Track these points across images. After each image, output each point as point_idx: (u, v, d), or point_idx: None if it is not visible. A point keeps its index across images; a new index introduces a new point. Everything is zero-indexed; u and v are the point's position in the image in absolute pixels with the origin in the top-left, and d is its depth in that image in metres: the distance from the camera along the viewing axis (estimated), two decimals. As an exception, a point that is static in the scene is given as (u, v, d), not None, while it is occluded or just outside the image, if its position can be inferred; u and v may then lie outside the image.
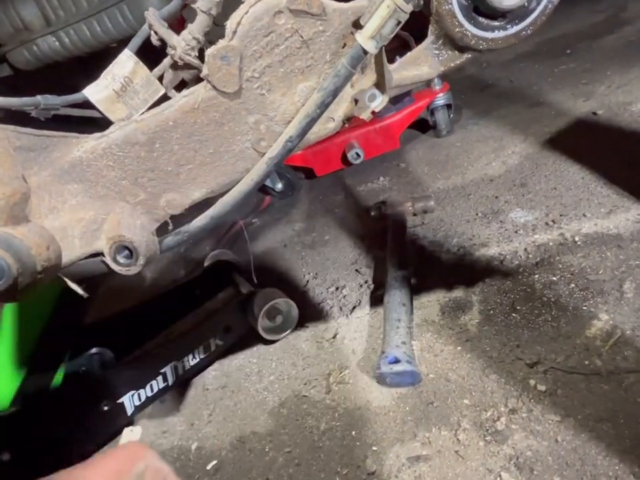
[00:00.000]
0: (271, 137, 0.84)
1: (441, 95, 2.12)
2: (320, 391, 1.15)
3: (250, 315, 1.40)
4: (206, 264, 1.81)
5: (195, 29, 0.87)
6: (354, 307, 1.39)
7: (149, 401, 1.26)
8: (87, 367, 1.35)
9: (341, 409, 1.08)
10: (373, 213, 1.76)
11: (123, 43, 1.65)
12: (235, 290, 1.64)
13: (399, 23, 0.66)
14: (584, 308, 1.07)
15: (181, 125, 0.83)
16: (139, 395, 1.25)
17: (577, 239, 1.28)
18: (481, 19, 0.74)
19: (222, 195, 0.91)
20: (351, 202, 2.04)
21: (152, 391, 1.27)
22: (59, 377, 1.20)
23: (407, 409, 1.01)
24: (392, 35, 0.67)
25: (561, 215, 1.40)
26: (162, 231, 0.94)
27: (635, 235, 1.21)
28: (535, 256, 1.28)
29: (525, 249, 1.32)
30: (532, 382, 0.95)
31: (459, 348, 1.10)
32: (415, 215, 1.70)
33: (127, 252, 0.84)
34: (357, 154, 2.05)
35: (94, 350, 1.41)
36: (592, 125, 1.81)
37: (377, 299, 1.38)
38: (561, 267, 1.21)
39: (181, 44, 0.88)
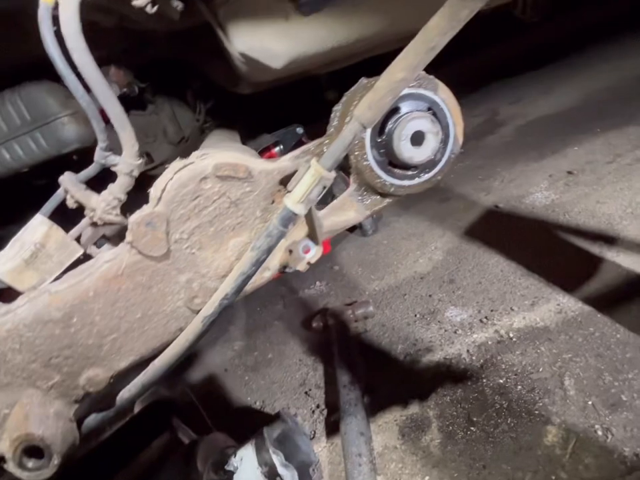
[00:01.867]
0: (205, 293, 0.80)
1: (362, 199, 2.27)
2: None
3: (192, 469, 1.22)
4: (137, 407, 1.60)
5: (116, 189, 0.85)
6: (310, 440, 1.28)
7: None
8: None
9: None
10: (314, 325, 1.73)
11: (33, 168, 1.57)
12: (173, 438, 1.44)
13: (325, 187, 0.69)
14: (535, 412, 1.08)
15: (103, 293, 0.75)
16: None
17: (511, 335, 1.34)
18: (397, 170, 0.81)
19: (153, 357, 0.83)
20: (291, 311, 1.99)
21: None
22: None
23: None
24: (320, 197, 0.70)
25: (491, 311, 1.47)
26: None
27: (560, 326, 1.30)
28: (478, 358, 1.31)
29: (468, 351, 1.35)
30: (508, 511, 0.90)
31: (427, 478, 1.04)
32: (356, 321, 1.70)
33: (37, 452, 0.70)
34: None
35: None
36: (496, 217, 2.03)
37: (332, 427, 1.29)
38: (505, 368, 1.24)
39: (101, 205, 0.84)
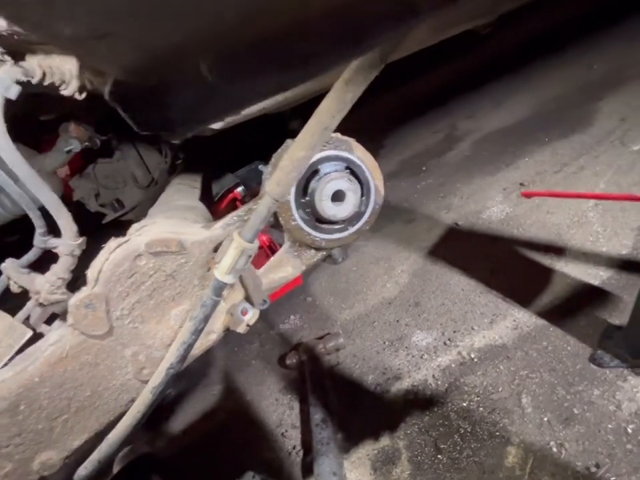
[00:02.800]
0: (152, 363, 0.83)
1: (328, 229, 2.32)
2: None
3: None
4: (117, 465, 1.59)
5: (59, 269, 0.87)
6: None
7: None
8: None
9: None
10: (288, 362, 1.74)
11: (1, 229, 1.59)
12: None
13: (250, 256, 0.73)
14: (497, 434, 1.11)
15: (48, 378, 0.77)
16: None
17: (472, 355, 1.38)
18: (325, 226, 0.86)
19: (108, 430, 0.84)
20: (267, 349, 2.01)
21: None
22: None
23: None
24: (247, 265, 0.74)
25: (454, 332, 1.51)
26: None
27: (516, 342, 1.34)
28: (443, 382, 1.34)
29: (433, 376, 1.38)
30: (472, 540, 0.93)
31: (398, 513, 1.06)
32: (328, 354, 1.72)
33: None
34: (264, 300, 2.07)
35: None
36: (457, 235, 2.09)
37: (308, 468, 1.30)
38: (467, 390, 1.27)
39: (45, 287, 0.86)
